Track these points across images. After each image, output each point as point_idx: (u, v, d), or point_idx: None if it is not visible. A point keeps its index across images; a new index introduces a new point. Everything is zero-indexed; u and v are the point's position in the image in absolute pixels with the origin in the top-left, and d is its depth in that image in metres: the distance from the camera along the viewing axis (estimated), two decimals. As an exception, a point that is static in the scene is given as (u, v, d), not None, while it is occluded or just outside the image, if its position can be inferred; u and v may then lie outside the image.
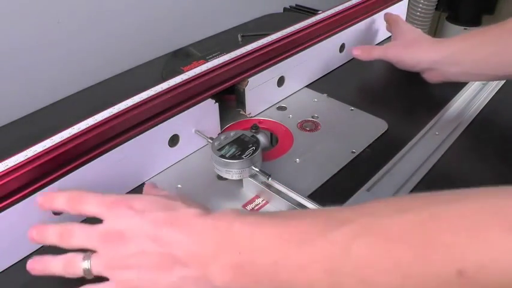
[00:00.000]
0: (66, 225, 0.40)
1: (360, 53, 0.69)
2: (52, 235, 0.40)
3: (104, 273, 0.38)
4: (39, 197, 0.42)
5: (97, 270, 0.38)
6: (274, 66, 0.65)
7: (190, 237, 0.36)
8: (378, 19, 0.82)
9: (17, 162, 0.43)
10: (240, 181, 0.52)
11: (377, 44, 0.85)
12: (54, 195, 0.41)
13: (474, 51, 0.59)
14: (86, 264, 0.38)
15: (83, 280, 0.39)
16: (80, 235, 0.39)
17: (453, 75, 0.62)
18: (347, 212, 0.32)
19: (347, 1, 0.77)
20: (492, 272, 0.25)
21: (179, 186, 0.54)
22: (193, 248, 0.35)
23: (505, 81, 0.71)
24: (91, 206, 0.39)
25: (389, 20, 0.74)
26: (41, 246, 0.47)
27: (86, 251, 0.39)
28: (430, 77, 0.64)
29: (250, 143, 0.51)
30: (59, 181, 0.46)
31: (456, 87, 0.69)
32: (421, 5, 1.42)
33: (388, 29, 0.76)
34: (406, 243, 0.28)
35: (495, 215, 0.27)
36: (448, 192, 0.30)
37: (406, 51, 0.65)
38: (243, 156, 0.49)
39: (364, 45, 0.71)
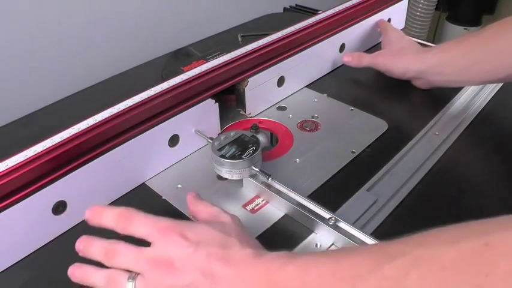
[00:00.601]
0: (113, 243, 0.39)
1: (350, 60, 0.71)
2: (97, 250, 0.40)
3: None
4: (87, 212, 0.41)
5: None
6: (274, 66, 0.65)
7: (243, 278, 0.35)
8: (378, 19, 0.82)
9: (17, 162, 0.43)
10: (240, 181, 0.52)
11: (377, 45, 0.85)
12: (103, 211, 0.41)
13: (455, 62, 0.62)
14: (130, 286, 0.37)
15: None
16: (126, 256, 0.38)
17: (439, 82, 0.66)
18: (399, 245, 0.31)
19: (347, 1, 0.77)
20: None
21: (179, 186, 0.54)
22: None
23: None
24: (141, 227, 0.39)
25: (380, 28, 0.78)
26: (42, 247, 0.47)
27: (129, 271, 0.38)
28: (419, 84, 0.68)
29: (250, 143, 0.51)
30: (59, 181, 0.46)
31: (456, 88, 0.69)
32: (421, 5, 1.42)
33: (381, 29, 0.79)
34: (461, 273, 0.27)
35: None
36: (502, 218, 0.29)
37: (393, 61, 0.68)
38: (243, 156, 0.49)
39: (355, 51, 0.74)
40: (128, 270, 0.38)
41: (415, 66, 0.66)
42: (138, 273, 0.38)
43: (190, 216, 0.48)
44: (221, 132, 0.62)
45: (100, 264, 0.39)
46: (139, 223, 0.39)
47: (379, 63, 0.69)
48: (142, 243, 0.38)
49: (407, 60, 0.67)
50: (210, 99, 0.58)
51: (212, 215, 0.43)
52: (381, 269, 0.30)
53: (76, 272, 0.40)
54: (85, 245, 0.40)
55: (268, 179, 0.50)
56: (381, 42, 0.85)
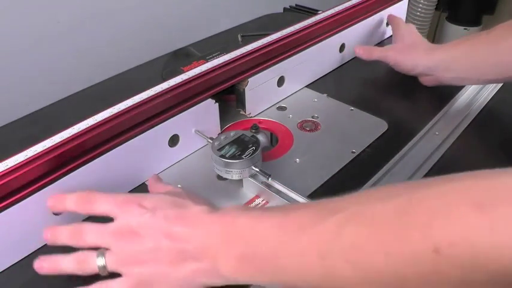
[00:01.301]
0: (77, 225, 0.41)
1: (362, 53, 0.72)
2: (64, 235, 0.41)
3: (119, 270, 0.39)
4: (49, 200, 0.43)
5: (112, 267, 0.39)
6: (274, 66, 0.65)
7: (200, 233, 0.38)
8: (378, 19, 0.82)
9: (17, 162, 0.43)
10: (240, 181, 0.52)
11: (377, 45, 0.85)
12: (64, 197, 0.43)
13: (465, 58, 0.62)
14: (100, 261, 0.39)
15: (84, 279, 0.39)
16: (92, 233, 0.40)
17: (447, 80, 0.65)
18: (340, 202, 0.35)
19: (347, 1, 0.77)
20: (462, 248, 0.27)
21: (179, 186, 0.54)
22: (203, 242, 0.37)
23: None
24: (102, 205, 0.41)
25: (391, 22, 0.77)
26: (42, 246, 0.47)
27: (97, 250, 0.40)
28: (426, 81, 0.68)
29: (250, 143, 0.51)
30: (59, 181, 0.46)
31: (456, 87, 0.69)
32: (421, 5, 1.42)
33: (390, 23, 0.79)
34: (388, 226, 0.30)
35: (464, 193, 0.29)
36: (429, 179, 0.32)
37: (403, 56, 0.68)
38: (243, 156, 0.49)
39: (365, 45, 0.75)
40: (95, 249, 0.40)
41: (424, 62, 0.66)
42: (107, 249, 0.39)
43: None
44: (221, 132, 0.62)
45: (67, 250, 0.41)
46: (100, 202, 0.41)
47: (389, 56, 0.69)
48: (107, 221, 0.40)
49: (417, 55, 0.67)
50: (210, 99, 0.58)
51: (167, 190, 0.45)
52: (323, 222, 0.33)
53: (44, 264, 0.41)
54: (52, 233, 0.42)
55: (268, 179, 0.50)
56: (380, 42, 0.85)
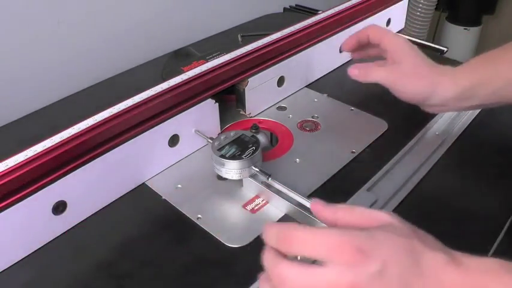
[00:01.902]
0: (275, 267, 0.32)
1: (358, 74, 0.55)
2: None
3: None
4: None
5: None
6: (274, 66, 0.65)
7: None
8: (378, 19, 0.82)
9: (17, 162, 0.43)
10: (240, 181, 0.52)
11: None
12: (265, 231, 0.34)
13: (490, 82, 0.50)
14: None
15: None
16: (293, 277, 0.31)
17: (459, 108, 0.55)
18: None
19: (347, 1, 0.77)
20: None
21: (179, 186, 0.54)
22: None
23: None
24: (307, 248, 0.31)
25: (374, 36, 0.56)
26: (42, 246, 0.47)
27: None
28: (432, 110, 0.54)
29: (250, 143, 0.51)
30: (59, 181, 0.46)
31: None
32: (421, 5, 1.41)
33: (374, 41, 0.56)
34: None
35: None
36: None
37: (411, 83, 0.52)
38: (243, 156, 0.49)
39: (361, 63, 0.56)
40: None
41: (442, 93, 0.50)
42: None
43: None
44: (221, 132, 0.62)
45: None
46: (301, 243, 0.31)
47: (391, 82, 0.53)
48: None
49: (429, 82, 0.51)
50: (210, 99, 0.58)
51: (366, 218, 0.33)
52: None
53: None
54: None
55: (268, 179, 0.50)
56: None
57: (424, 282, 0.29)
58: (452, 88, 0.50)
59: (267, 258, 0.32)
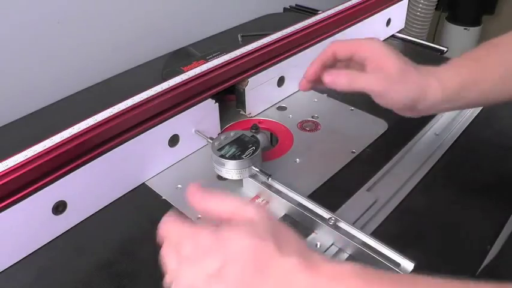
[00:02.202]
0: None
1: (338, 82, 0.48)
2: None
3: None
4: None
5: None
6: (274, 66, 0.65)
7: None
8: (378, 19, 0.82)
9: (17, 162, 0.43)
10: (240, 181, 0.52)
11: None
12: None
13: (478, 85, 0.47)
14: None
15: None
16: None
17: (445, 110, 0.52)
18: None
19: (347, 1, 0.77)
20: None
21: (179, 186, 0.54)
22: None
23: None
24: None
25: (347, 49, 0.50)
26: (42, 246, 0.47)
27: None
28: (415, 114, 0.50)
29: (250, 143, 0.51)
30: (59, 181, 0.46)
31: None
32: (421, 5, 1.42)
33: (344, 56, 0.51)
34: None
35: None
36: None
37: (400, 89, 0.47)
38: (243, 156, 0.49)
39: (337, 69, 0.50)
40: None
41: (432, 97, 0.47)
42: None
43: (198, 215, 0.44)
44: (221, 132, 0.62)
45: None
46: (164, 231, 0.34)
47: (374, 89, 0.48)
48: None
49: (423, 86, 0.47)
50: (210, 99, 0.58)
51: (230, 213, 0.34)
52: None
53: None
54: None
55: (268, 179, 0.50)
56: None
57: (268, 283, 0.29)
58: (441, 92, 0.47)
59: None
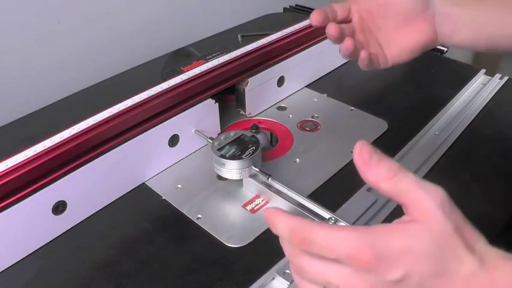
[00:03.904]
0: (296, 258, 0.30)
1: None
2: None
3: None
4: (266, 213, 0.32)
5: None
6: (274, 66, 0.65)
7: None
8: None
9: (17, 162, 0.43)
10: (240, 181, 0.52)
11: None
12: (275, 219, 0.31)
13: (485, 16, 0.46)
14: None
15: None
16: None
17: (452, 42, 0.49)
18: None
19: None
20: None
21: (179, 186, 0.54)
22: None
23: (504, 81, 0.71)
24: (323, 252, 0.29)
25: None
26: (42, 246, 0.47)
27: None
28: (416, 38, 0.48)
29: (250, 143, 0.51)
30: (59, 181, 0.46)
31: (455, 88, 0.69)
32: (421, 5, 1.41)
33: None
34: None
35: None
36: None
37: None
38: (243, 156, 0.49)
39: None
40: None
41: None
42: None
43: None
44: (221, 132, 0.62)
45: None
46: (318, 247, 0.29)
47: None
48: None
49: None
50: (210, 99, 0.58)
51: (412, 198, 0.29)
52: None
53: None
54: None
55: (268, 179, 0.50)
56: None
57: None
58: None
59: (287, 249, 0.31)
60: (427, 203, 0.28)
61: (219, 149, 0.50)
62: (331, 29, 0.46)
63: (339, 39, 0.46)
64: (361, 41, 0.49)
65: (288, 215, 0.31)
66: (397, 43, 0.48)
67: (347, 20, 0.49)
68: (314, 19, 0.47)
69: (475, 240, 0.28)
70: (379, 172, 0.31)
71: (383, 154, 0.32)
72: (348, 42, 0.46)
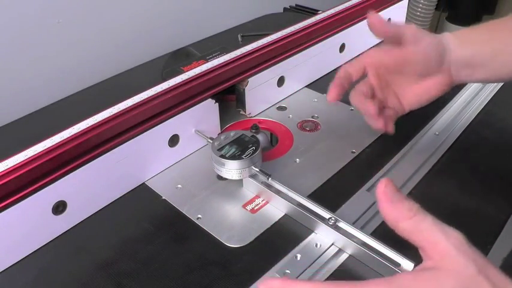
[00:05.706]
0: None
1: (373, 22, 0.50)
2: None
3: None
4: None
5: None
6: (274, 66, 0.65)
7: None
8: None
9: (17, 162, 0.43)
10: (240, 181, 0.52)
11: (376, 46, 0.84)
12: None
13: (501, 54, 0.48)
14: None
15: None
16: None
17: (471, 80, 0.52)
18: None
19: (347, 1, 0.77)
20: None
21: (179, 186, 0.54)
22: None
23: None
24: None
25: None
26: (42, 246, 0.47)
27: None
28: (434, 86, 0.51)
29: (250, 143, 0.51)
30: (59, 181, 0.46)
31: (456, 87, 0.69)
32: (421, 5, 1.42)
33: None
34: None
35: None
36: None
37: (427, 38, 0.48)
38: (243, 156, 0.49)
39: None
40: None
41: (458, 52, 0.48)
42: None
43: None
44: (221, 132, 0.62)
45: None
46: None
47: (410, 35, 0.48)
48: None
49: (443, 41, 0.48)
50: (210, 99, 0.58)
51: (430, 241, 0.30)
52: None
53: None
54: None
55: (268, 179, 0.50)
56: (382, 42, 0.85)
57: None
58: (467, 50, 0.48)
59: None
60: (446, 245, 0.29)
61: (219, 149, 0.50)
62: (371, 108, 0.49)
63: (375, 115, 0.50)
64: (381, 99, 0.52)
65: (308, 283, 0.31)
66: (415, 94, 0.52)
67: (363, 77, 0.52)
68: (331, 97, 0.51)
69: (500, 280, 0.28)
70: (400, 211, 0.32)
71: (404, 194, 0.32)
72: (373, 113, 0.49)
